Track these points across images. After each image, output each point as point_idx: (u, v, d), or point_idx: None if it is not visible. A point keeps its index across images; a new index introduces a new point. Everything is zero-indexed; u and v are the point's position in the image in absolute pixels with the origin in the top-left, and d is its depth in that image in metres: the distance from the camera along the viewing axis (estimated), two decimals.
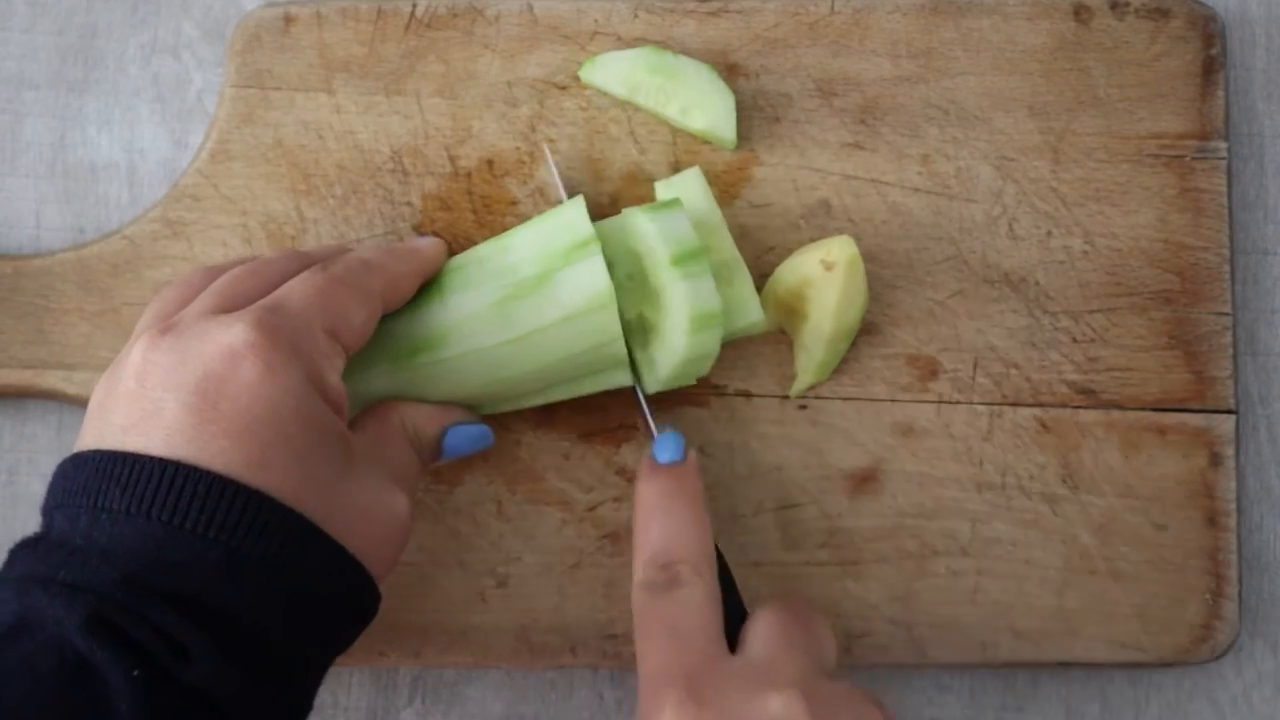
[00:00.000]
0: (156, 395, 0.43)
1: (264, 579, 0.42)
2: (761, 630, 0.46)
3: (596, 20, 0.58)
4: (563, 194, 0.56)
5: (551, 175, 0.56)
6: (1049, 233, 0.57)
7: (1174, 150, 0.58)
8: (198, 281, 0.49)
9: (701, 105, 0.56)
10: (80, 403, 0.56)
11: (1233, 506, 0.56)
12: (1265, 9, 0.61)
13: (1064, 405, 0.56)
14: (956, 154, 0.58)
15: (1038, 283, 0.57)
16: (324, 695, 0.57)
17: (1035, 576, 0.55)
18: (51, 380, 0.56)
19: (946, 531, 0.56)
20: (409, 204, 0.57)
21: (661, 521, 0.48)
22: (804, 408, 0.56)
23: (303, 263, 0.50)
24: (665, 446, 0.50)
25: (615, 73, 0.57)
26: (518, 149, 0.57)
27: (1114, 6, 0.58)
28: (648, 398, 0.54)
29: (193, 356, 0.43)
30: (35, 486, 0.58)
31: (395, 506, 0.47)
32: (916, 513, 0.56)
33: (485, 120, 0.58)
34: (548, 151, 0.57)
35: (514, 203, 0.57)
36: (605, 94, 0.58)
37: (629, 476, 0.56)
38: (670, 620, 0.45)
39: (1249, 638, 0.58)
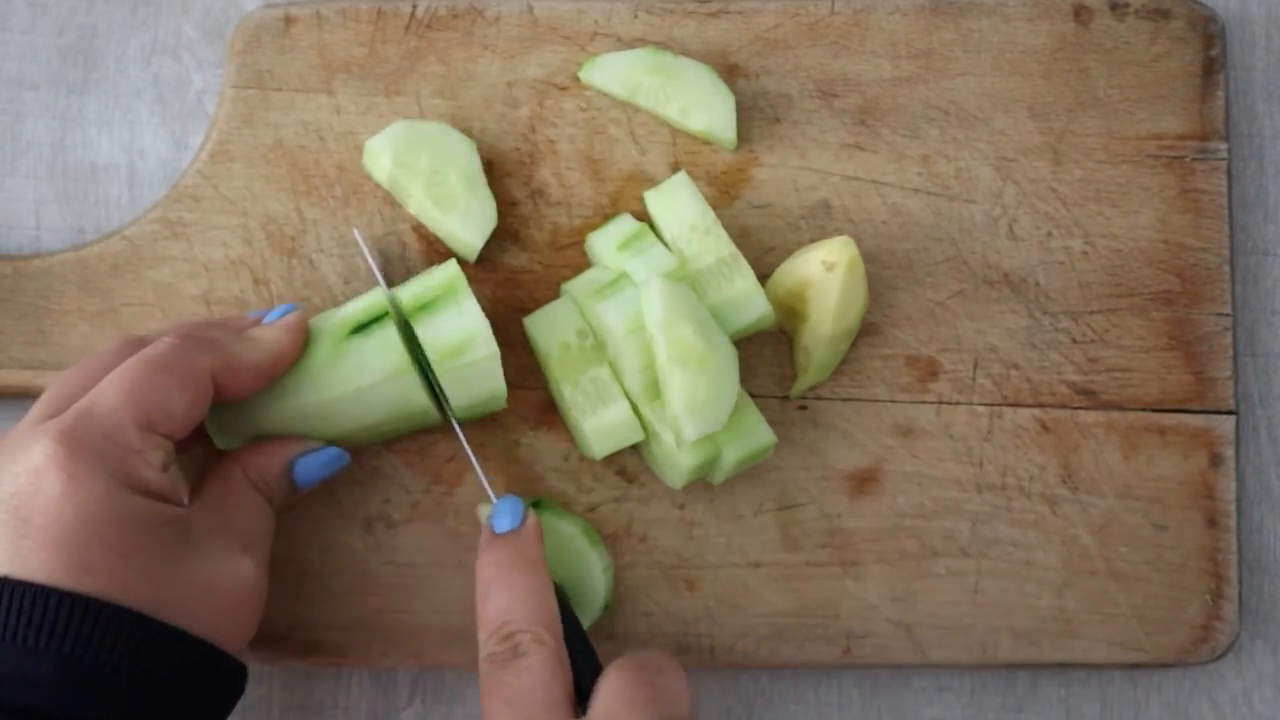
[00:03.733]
0: None
1: (104, 680, 0.43)
2: (604, 691, 0.45)
3: (596, 21, 0.58)
4: (378, 275, 0.55)
5: (365, 258, 0.55)
6: (1049, 233, 0.57)
7: (1174, 151, 0.58)
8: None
9: (701, 106, 0.56)
10: None
11: (1233, 507, 0.56)
12: (1265, 9, 0.61)
13: (1064, 406, 0.56)
14: (956, 155, 0.58)
15: (1038, 283, 0.57)
16: (324, 695, 0.57)
17: (1035, 577, 0.55)
18: (51, 381, 0.56)
19: (946, 532, 0.56)
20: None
21: (499, 593, 0.47)
22: (804, 408, 0.56)
23: (136, 351, 0.49)
24: (502, 515, 0.49)
25: (615, 73, 0.57)
26: (518, 150, 0.57)
27: (1114, 7, 0.58)
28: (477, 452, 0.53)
29: (7, 475, 0.44)
30: None
31: (239, 573, 0.47)
32: (916, 513, 0.56)
33: (485, 121, 0.58)
34: (359, 236, 0.55)
35: (514, 203, 0.57)
36: (605, 94, 0.58)
37: (629, 477, 0.56)
38: (511, 693, 0.45)
39: (1249, 638, 0.58)
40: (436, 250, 0.57)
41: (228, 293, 0.57)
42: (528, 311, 0.55)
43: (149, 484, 0.46)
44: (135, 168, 0.60)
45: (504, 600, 0.47)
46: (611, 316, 0.52)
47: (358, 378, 0.50)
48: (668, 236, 0.55)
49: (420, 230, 0.57)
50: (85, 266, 0.57)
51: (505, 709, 0.45)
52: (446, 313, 0.51)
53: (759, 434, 0.53)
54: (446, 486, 0.56)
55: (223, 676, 0.47)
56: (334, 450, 0.52)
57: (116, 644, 0.43)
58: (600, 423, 0.52)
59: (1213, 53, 0.58)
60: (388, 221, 0.57)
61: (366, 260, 0.54)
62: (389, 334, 0.51)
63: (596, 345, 0.53)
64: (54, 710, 0.42)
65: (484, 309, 0.52)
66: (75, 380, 0.48)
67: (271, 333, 0.50)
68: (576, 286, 0.54)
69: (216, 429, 0.51)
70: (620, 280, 0.53)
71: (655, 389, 0.52)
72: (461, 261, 0.56)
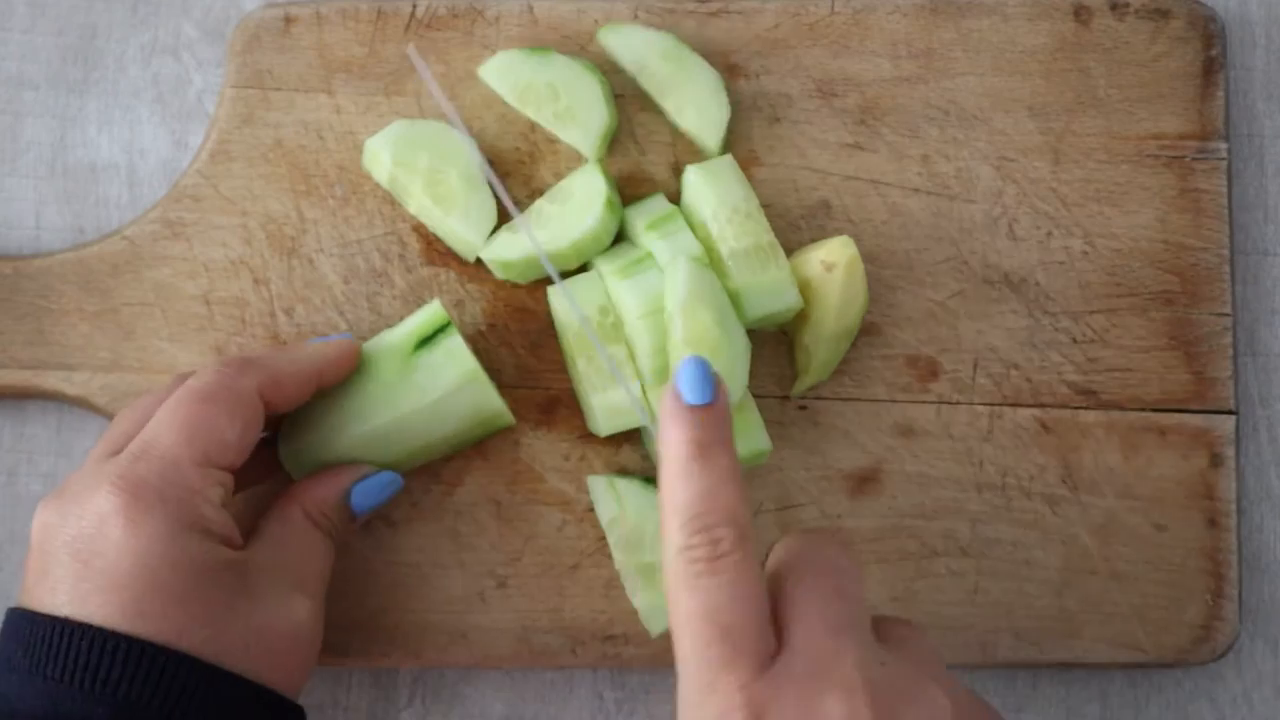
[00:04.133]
0: (48, 556, 0.45)
1: None
2: (798, 619, 0.40)
3: (596, 21, 0.58)
4: (448, 108, 0.51)
5: (432, 88, 0.50)
6: (1049, 233, 0.57)
7: (1174, 151, 0.58)
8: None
9: (696, 106, 0.56)
10: (80, 403, 0.56)
11: (1233, 507, 0.56)
12: (1265, 9, 0.61)
13: (1064, 406, 0.56)
14: (956, 154, 0.58)
15: (1038, 283, 0.57)
16: (324, 695, 0.57)
17: (1035, 577, 0.55)
18: (51, 380, 0.56)
19: (946, 532, 0.56)
20: None
21: (699, 476, 0.40)
22: (804, 408, 0.56)
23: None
24: (695, 385, 0.42)
25: (630, 45, 0.56)
26: (518, 149, 0.57)
27: (1114, 7, 0.58)
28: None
29: (70, 518, 0.45)
30: (35, 487, 0.58)
31: (294, 615, 0.48)
32: (916, 513, 0.56)
33: (485, 120, 0.58)
34: (413, 54, 0.50)
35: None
36: (609, 62, 0.57)
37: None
38: (712, 603, 0.39)
39: (1249, 638, 0.58)
40: (436, 250, 0.57)
41: (228, 293, 0.57)
42: (529, 311, 0.55)
43: (209, 523, 0.46)
44: (135, 168, 0.60)
45: (704, 485, 0.40)
46: (629, 297, 0.52)
47: (431, 390, 0.51)
48: (705, 213, 0.54)
49: (420, 230, 0.57)
50: (85, 266, 0.57)
51: (704, 624, 0.39)
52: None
53: (755, 439, 0.53)
54: (446, 486, 0.56)
55: (278, 718, 0.47)
56: (388, 474, 0.52)
57: (172, 689, 0.43)
58: (610, 401, 0.52)
59: (1213, 53, 0.58)
60: (388, 221, 0.57)
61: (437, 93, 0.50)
62: (455, 342, 0.51)
63: (617, 323, 0.53)
64: None
65: (483, 308, 0.53)
66: (132, 419, 0.49)
67: (317, 346, 0.51)
68: (605, 260, 0.54)
69: (293, 460, 0.52)
70: (645, 260, 0.53)
71: (665, 374, 0.52)
72: (462, 261, 0.56)
